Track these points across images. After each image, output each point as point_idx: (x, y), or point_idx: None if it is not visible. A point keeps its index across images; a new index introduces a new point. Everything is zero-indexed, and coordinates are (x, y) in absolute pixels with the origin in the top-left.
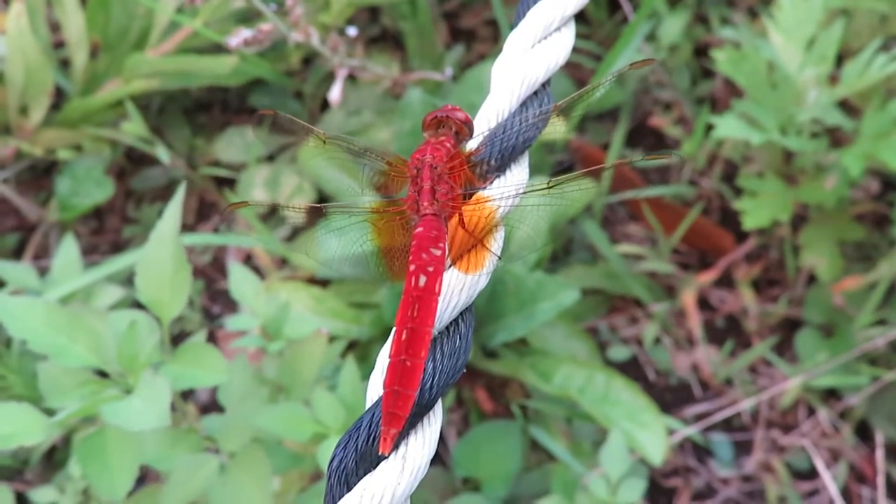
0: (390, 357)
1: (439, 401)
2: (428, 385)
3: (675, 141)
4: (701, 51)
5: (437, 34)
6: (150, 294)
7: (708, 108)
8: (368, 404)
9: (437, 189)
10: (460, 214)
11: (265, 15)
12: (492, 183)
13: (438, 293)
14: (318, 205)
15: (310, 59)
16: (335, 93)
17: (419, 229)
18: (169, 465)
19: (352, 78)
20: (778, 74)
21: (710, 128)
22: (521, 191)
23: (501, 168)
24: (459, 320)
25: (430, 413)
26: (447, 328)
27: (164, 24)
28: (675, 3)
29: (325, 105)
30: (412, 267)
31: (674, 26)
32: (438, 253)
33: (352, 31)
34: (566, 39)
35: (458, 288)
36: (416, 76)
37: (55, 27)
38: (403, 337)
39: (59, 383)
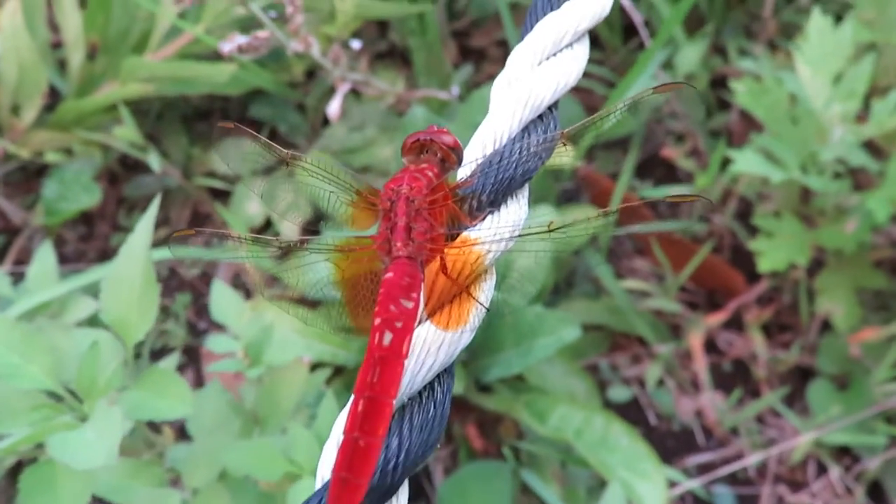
0: (344, 432)
1: (405, 483)
2: (391, 466)
3: (687, 174)
4: (717, 82)
5: (446, 52)
6: (115, 313)
7: (724, 142)
8: (318, 484)
9: (414, 227)
10: (442, 258)
11: (264, 24)
12: (483, 221)
13: (406, 355)
14: (267, 237)
15: (314, 71)
16: (334, 107)
17: (389, 275)
18: (127, 497)
19: (355, 92)
20: (799, 109)
21: (726, 162)
22: (518, 232)
23: (495, 203)
24: (435, 384)
25: (393, 499)
26: (420, 394)
27: (165, 28)
28: (694, 32)
29: (327, 119)
30: (377, 320)
31: (691, 55)
32: (410, 305)
33: (356, 44)
34: (579, 57)
35: (434, 346)
36: (420, 94)
37: (55, 27)
38: (360, 408)
39: (9, 406)
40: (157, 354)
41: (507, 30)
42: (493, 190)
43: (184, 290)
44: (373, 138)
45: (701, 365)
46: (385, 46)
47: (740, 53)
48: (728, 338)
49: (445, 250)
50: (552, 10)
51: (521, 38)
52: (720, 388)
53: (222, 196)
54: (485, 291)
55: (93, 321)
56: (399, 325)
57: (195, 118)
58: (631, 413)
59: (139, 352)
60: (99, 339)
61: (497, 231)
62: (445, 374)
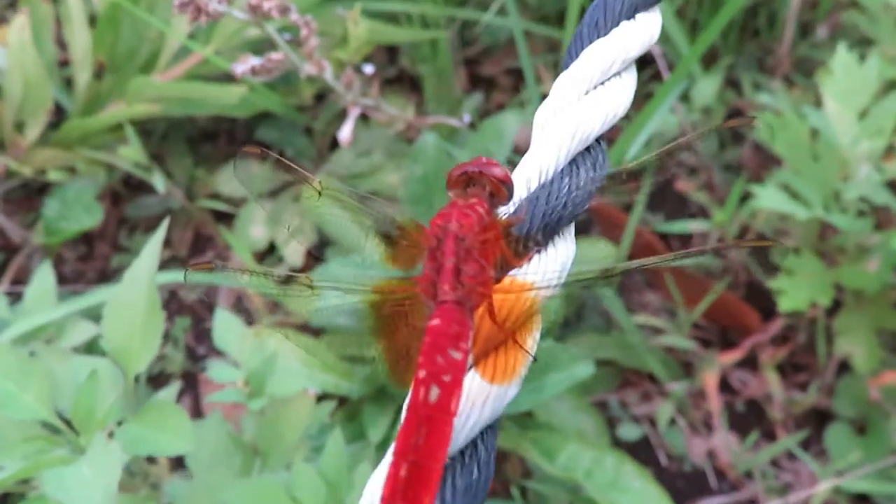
0: (382, 501)
1: None
2: None
3: (700, 207)
4: (731, 115)
5: (457, 80)
6: (116, 341)
7: (744, 177)
8: None
9: (463, 269)
10: (490, 302)
11: (278, 46)
12: (530, 261)
13: (455, 413)
14: (300, 274)
15: (323, 94)
16: (346, 132)
17: (435, 321)
18: None
19: (364, 117)
20: (821, 145)
21: (744, 197)
22: (568, 275)
23: (542, 242)
24: (479, 442)
25: None
26: (462, 453)
27: (174, 48)
28: (708, 65)
29: (334, 143)
30: (421, 373)
31: (708, 88)
32: (459, 357)
33: (368, 69)
34: (627, 87)
35: (479, 399)
36: (431, 120)
37: (63, 45)
38: (402, 473)
39: (1, 437)
40: (155, 379)
41: (521, 58)
42: (541, 228)
43: (184, 313)
44: (380, 164)
45: (715, 405)
46: (395, 72)
47: (754, 87)
48: (741, 377)
49: (495, 294)
50: (599, 36)
51: (563, 66)
52: (734, 428)
53: (225, 218)
54: (533, 339)
55: (91, 346)
56: (447, 378)
57: (201, 139)
58: (641, 452)
59: (137, 379)
60: (98, 368)
61: (550, 274)
62: (489, 430)
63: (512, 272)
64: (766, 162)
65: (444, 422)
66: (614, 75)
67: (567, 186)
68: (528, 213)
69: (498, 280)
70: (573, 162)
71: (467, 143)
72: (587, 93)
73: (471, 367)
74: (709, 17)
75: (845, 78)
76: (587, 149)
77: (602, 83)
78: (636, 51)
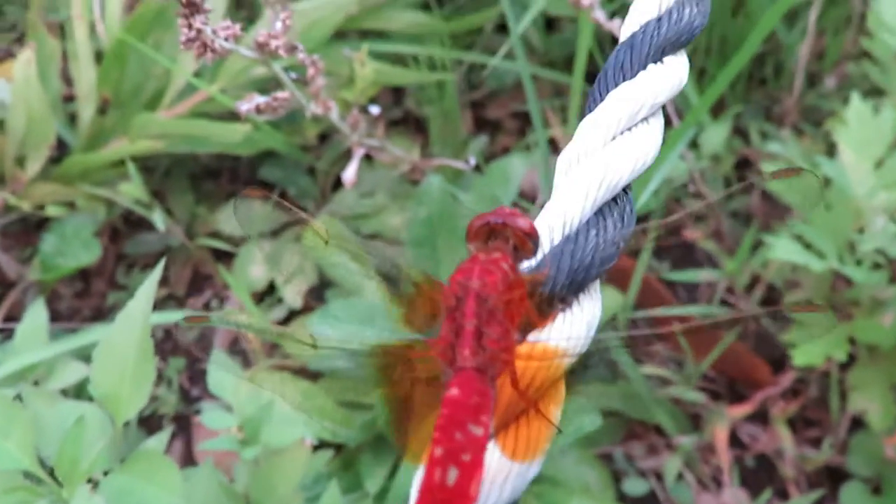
0: None
1: None
2: None
3: (707, 255)
4: (740, 164)
5: (462, 122)
6: (105, 387)
7: (755, 226)
8: None
9: (486, 332)
10: (512, 368)
11: (284, 84)
12: (554, 321)
13: (475, 498)
14: (301, 331)
15: (327, 134)
16: (350, 172)
17: (453, 391)
18: None
19: (368, 158)
20: (834, 195)
21: (755, 247)
22: (591, 335)
23: (566, 300)
24: None
25: None
26: None
27: (180, 86)
28: (716, 112)
29: (337, 183)
30: (438, 451)
31: (716, 136)
32: (479, 432)
33: (374, 110)
34: (655, 133)
35: (500, 478)
36: (436, 162)
37: (69, 81)
38: None
39: None
40: (147, 421)
41: (529, 102)
42: (567, 285)
43: (179, 353)
44: (383, 205)
45: (725, 460)
46: (400, 114)
47: (762, 136)
48: (751, 431)
49: (522, 361)
50: (625, 79)
51: (588, 110)
52: (743, 484)
53: (225, 257)
54: (558, 409)
55: (82, 387)
56: (466, 458)
57: (203, 177)
58: None
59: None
60: (85, 415)
61: (577, 338)
62: None
63: (533, 334)
64: (774, 211)
65: None
66: (642, 121)
67: (595, 240)
68: (552, 268)
69: (519, 342)
70: (600, 212)
71: (472, 186)
72: (613, 138)
73: (491, 438)
74: (717, 65)
75: (860, 128)
76: (614, 199)
77: (629, 129)
78: (665, 95)
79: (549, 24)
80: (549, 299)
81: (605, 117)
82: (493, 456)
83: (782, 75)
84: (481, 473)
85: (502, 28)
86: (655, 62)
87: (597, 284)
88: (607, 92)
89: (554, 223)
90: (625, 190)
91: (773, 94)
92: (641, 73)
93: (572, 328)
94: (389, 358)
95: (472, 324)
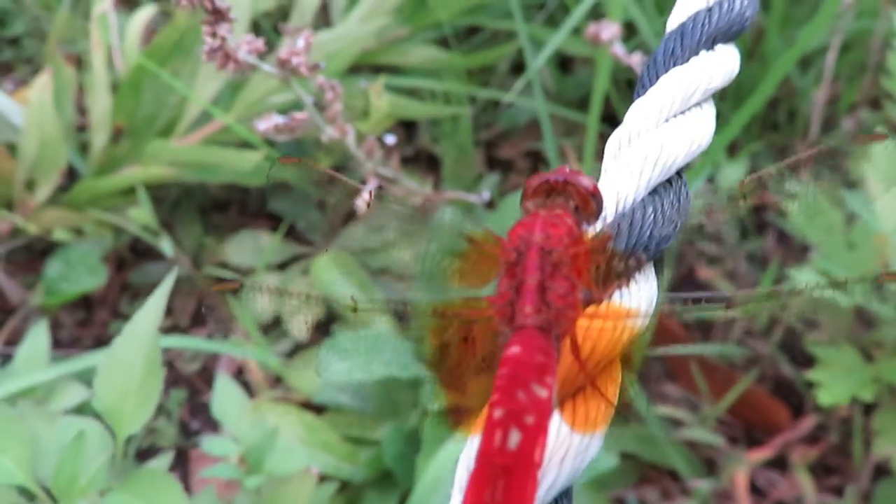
0: None
1: None
2: None
3: (723, 296)
4: (756, 204)
5: (475, 161)
6: (109, 401)
7: (773, 266)
8: None
9: (550, 287)
10: (573, 333)
11: (303, 105)
12: (611, 295)
13: (540, 464)
14: (342, 305)
15: (339, 168)
16: (364, 199)
17: (514, 349)
18: None
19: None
20: (858, 232)
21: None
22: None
23: (624, 275)
24: None
25: None
26: None
27: (194, 115)
28: (732, 153)
29: (347, 218)
30: (497, 413)
31: (733, 174)
32: (544, 394)
33: (390, 139)
34: (709, 120)
35: (559, 454)
36: (449, 195)
37: (84, 112)
38: None
39: None
40: (145, 453)
41: (546, 140)
42: (632, 254)
43: (179, 385)
44: (392, 240)
45: None
46: (412, 151)
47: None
48: (770, 477)
49: (585, 321)
50: (675, 64)
51: (636, 95)
52: None
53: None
54: (616, 387)
55: (81, 410)
56: (530, 420)
57: (212, 208)
58: None
59: (126, 450)
60: (85, 430)
61: (644, 305)
62: (564, 498)
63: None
64: (790, 253)
65: (527, 475)
66: (695, 105)
67: (652, 217)
68: (614, 231)
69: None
70: (655, 192)
71: (485, 221)
72: (667, 120)
73: (554, 410)
74: (731, 107)
75: (887, 165)
76: (668, 181)
77: (682, 112)
78: (719, 81)
79: (563, 65)
80: (627, 259)
81: (658, 99)
82: (555, 427)
83: (796, 120)
84: (545, 439)
85: (516, 69)
86: (707, 49)
87: (651, 267)
88: (657, 78)
89: (607, 202)
90: (679, 174)
91: (788, 135)
92: (694, 59)
93: (630, 303)
94: (441, 318)
95: (535, 278)
